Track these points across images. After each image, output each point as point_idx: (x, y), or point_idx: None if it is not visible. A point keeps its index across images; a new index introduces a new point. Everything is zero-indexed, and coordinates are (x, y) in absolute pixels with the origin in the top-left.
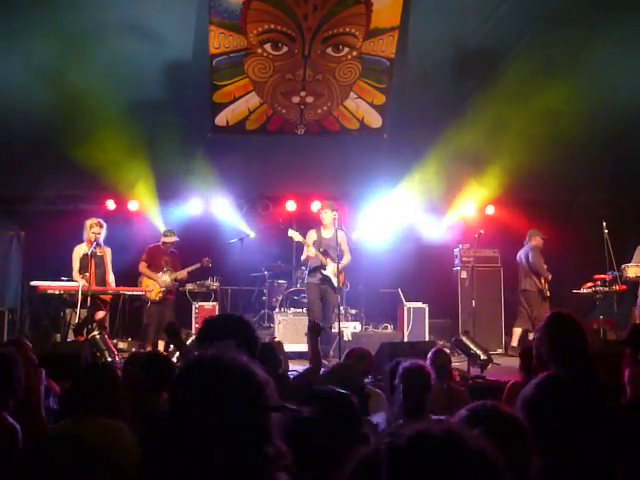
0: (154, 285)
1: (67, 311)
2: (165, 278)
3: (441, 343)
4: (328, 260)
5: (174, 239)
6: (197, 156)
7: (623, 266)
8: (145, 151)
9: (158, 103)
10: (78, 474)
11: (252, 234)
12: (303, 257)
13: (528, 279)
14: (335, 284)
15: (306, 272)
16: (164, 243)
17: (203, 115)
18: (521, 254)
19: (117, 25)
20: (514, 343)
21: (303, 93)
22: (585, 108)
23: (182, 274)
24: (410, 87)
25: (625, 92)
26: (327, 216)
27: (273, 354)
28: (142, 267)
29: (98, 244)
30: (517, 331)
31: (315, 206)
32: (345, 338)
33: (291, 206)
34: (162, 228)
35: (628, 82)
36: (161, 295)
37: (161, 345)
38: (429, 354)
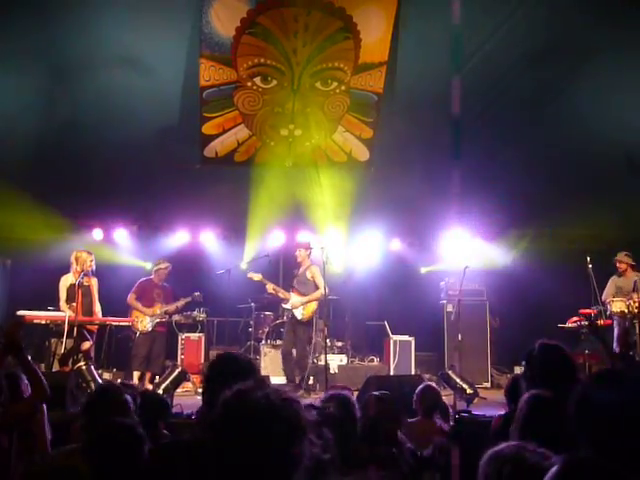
0: (143, 316)
1: (52, 341)
2: (154, 310)
3: (427, 376)
4: (292, 294)
5: (166, 265)
6: (185, 187)
7: (608, 300)
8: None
9: (147, 134)
10: None
11: (245, 265)
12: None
13: None
14: (298, 316)
15: None
16: (157, 271)
17: (192, 146)
18: None
19: (108, 56)
20: None
21: (292, 126)
22: (570, 144)
23: (173, 308)
24: (397, 121)
25: (608, 127)
26: (300, 254)
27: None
28: (130, 299)
29: (85, 274)
30: None
31: (302, 237)
32: (331, 371)
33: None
34: (149, 259)
35: (613, 116)
36: (150, 326)
37: (147, 377)
38: (417, 391)
